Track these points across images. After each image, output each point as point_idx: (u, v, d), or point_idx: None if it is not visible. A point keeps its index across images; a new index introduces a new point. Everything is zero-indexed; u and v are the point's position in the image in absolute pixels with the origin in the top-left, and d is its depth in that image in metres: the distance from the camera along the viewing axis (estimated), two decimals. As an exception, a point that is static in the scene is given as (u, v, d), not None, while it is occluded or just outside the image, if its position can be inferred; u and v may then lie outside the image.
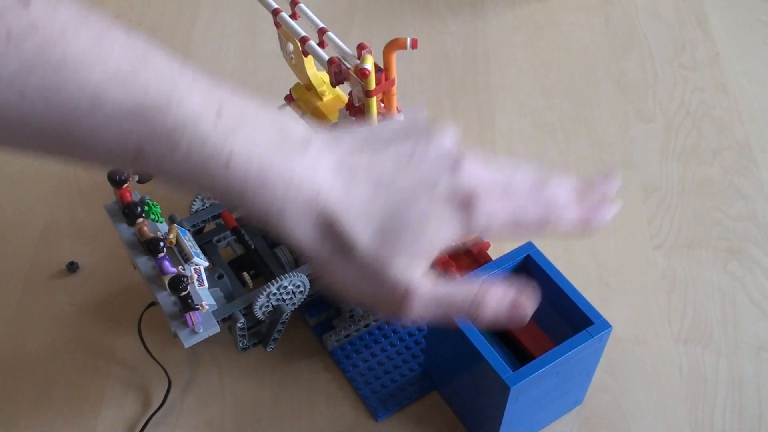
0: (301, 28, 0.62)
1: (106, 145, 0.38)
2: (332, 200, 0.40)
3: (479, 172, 0.42)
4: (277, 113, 0.40)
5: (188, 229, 0.61)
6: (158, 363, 0.62)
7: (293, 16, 0.63)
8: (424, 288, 0.42)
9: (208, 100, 0.38)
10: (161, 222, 0.60)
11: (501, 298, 0.42)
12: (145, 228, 0.59)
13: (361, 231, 0.41)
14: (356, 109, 0.59)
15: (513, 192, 0.43)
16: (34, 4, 0.35)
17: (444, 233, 0.41)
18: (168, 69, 0.38)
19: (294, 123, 0.41)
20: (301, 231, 0.40)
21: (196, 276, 0.57)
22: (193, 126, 0.38)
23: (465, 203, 0.41)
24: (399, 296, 0.42)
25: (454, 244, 0.42)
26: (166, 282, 0.56)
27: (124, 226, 0.60)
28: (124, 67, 0.37)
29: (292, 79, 0.71)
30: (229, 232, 0.65)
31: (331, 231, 0.41)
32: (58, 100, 0.36)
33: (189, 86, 0.38)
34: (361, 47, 0.57)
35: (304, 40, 0.61)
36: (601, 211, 0.43)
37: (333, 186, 0.40)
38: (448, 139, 0.43)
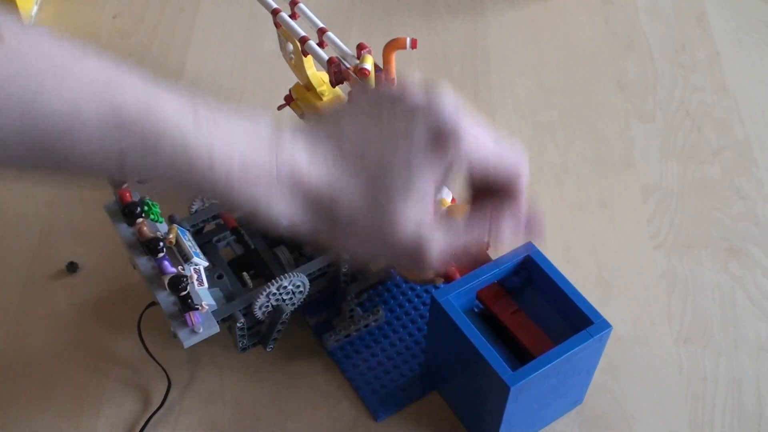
0: (300, 28, 0.62)
1: (90, 156, 0.39)
2: (316, 178, 0.40)
3: (456, 112, 0.41)
4: (248, 111, 0.41)
5: (188, 229, 0.61)
6: (158, 363, 0.62)
7: (293, 16, 0.63)
8: (436, 234, 0.42)
9: (183, 106, 0.39)
10: (161, 222, 0.60)
11: (516, 217, 0.43)
12: (145, 228, 0.59)
13: (351, 199, 0.41)
14: (356, 109, 0.59)
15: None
16: (8, 38, 0.36)
17: (431, 174, 0.41)
18: (142, 81, 0.39)
19: (265, 117, 0.42)
20: (293, 216, 0.41)
21: (195, 276, 0.57)
22: (172, 131, 0.39)
23: (446, 137, 0.41)
24: (414, 250, 0.42)
25: (445, 184, 0.42)
26: (166, 282, 0.56)
27: (123, 226, 0.60)
28: (100, 81, 0.38)
29: (292, 79, 0.71)
30: (228, 232, 0.65)
31: (323, 207, 0.41)
32: (35, 111, 0.36)
33: (164, 95, 0.39)
34: (360, 47, 0.57)
35: (303, 40, 0.61)
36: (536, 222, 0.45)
37: (314, 165, 0.40)
38: (412, 91, 0.42)
